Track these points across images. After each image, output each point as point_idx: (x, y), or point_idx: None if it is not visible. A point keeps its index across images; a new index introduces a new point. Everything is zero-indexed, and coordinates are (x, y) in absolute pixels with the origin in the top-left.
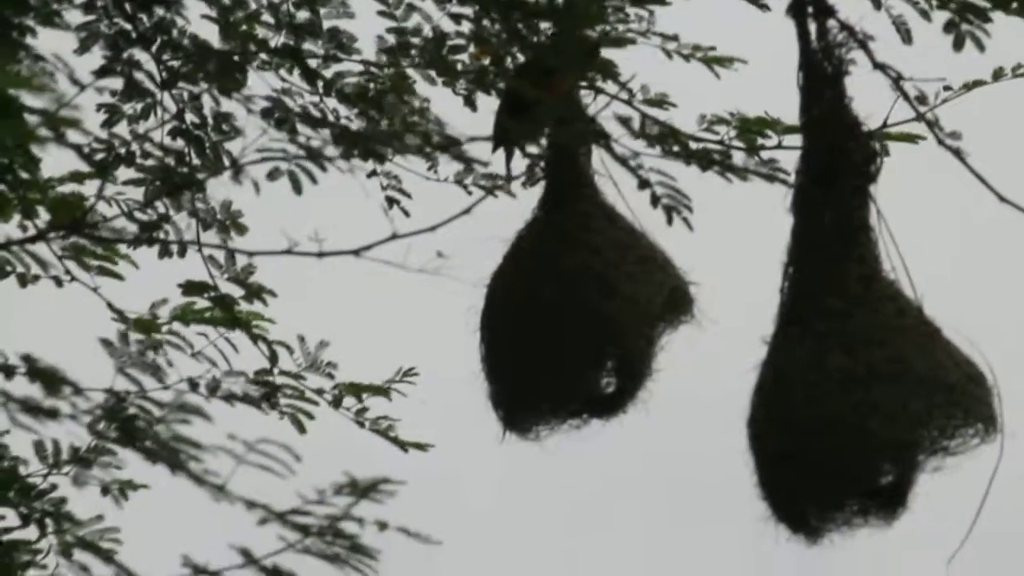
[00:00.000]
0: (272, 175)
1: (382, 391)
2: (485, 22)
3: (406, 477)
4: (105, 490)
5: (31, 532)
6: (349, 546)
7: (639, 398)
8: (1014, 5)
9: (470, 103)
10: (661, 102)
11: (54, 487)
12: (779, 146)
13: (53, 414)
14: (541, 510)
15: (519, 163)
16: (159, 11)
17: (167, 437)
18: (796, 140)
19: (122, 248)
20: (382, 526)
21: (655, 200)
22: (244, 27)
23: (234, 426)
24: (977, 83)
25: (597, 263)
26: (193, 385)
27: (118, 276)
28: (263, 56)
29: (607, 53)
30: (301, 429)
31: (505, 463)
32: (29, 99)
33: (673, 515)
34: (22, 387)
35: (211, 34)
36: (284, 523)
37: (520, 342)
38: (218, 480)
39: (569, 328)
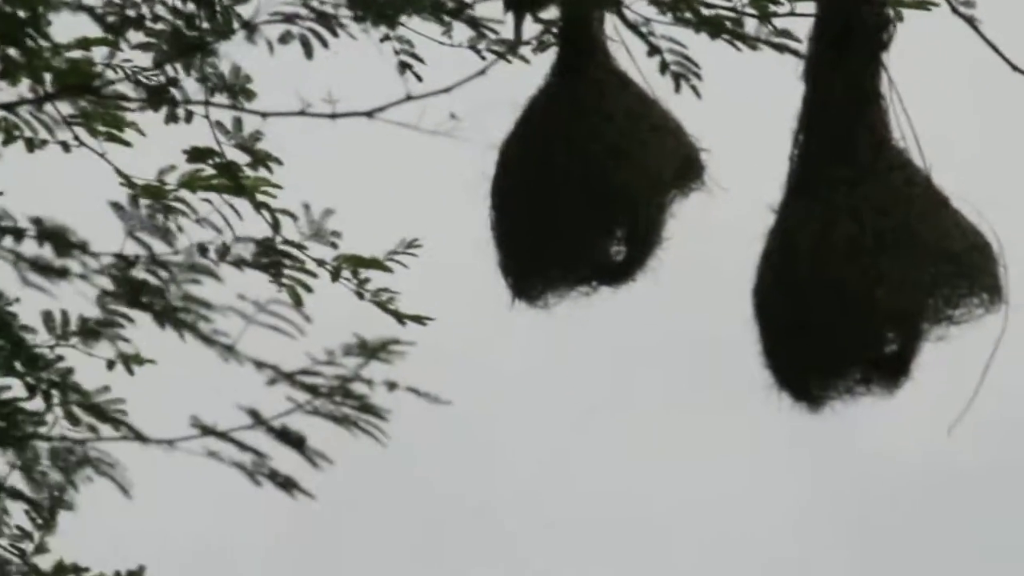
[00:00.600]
0: (284, 38)
1: (382, 265)
2: None
3: (415, 343)
4: (111, 364)
5: (37, 403)
6: (358, 406)
7: (648, 266)
8: None
9: None
10: None
11: (60, 358)
12: (792, 13)
13: (63, 273)
14: (552, 377)
15: (532, 29)
16: None
17: (177, 296)
18: (809, 7)
19: (129, 115)
20: (391, 386)
21: (664, 67)
22: None
23: (243, 291)
24: None
25: (609, 130)
26: (203, 250)
27: (126, 143)
28: None
29: None
30: (298, 301)
31: (514, 330)
32: None
33: (682, 378)
34: (32, 251)
35: None
36: (293, 384)
37: (530, 209)
38: (227, 340)
39: (580, 195)
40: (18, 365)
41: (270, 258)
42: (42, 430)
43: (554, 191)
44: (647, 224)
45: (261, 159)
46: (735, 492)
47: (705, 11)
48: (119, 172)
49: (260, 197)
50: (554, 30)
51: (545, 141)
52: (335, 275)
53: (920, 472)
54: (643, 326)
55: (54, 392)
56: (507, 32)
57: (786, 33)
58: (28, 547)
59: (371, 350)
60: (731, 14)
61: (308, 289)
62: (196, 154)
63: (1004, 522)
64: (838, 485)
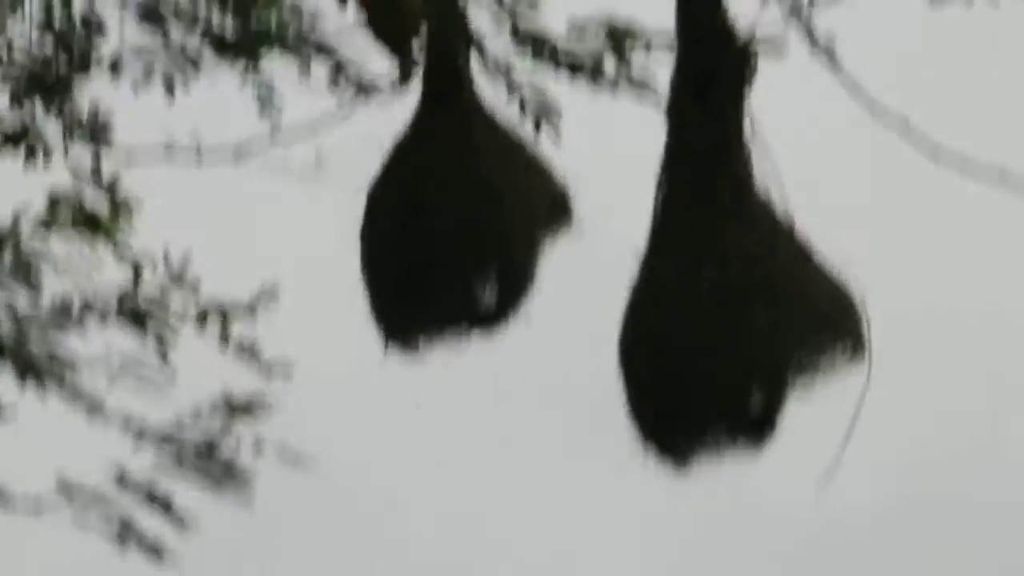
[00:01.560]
0: (146, 75)
1: (247, 310)
2: None
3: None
4: None
5: None
6: (224, 471)
7: (522, 308)
8: None
9: (341, 2)
10: (533, 4)
11: None
12: (648, 54)
13: None
14: (425, 425)
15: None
16: None
17: (42, 352)
18: (666, 53)
19: None
20: (257, 447)
21: (523, 106)
22: None
23: (108, 340)
24: None
25: (480, 168)
26: (65, 305)
27: None
28: None
29: None
30: (163, 350)
31: (387, 377)
32: None
33: (557, 424)
34: None
35: None
36: (160, 441)
37: (401, 251)
38: (94, 396)
39: (451, 235)
40: None
41: (131, 307)
42: None
43: (424, 231)
44: (521, 265)
45: (121, 201)
46: (614, 544)
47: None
48: None
49: (118, 242)
50: (416, 66)
51: (414, 180)
52: (201, 322)
53: (801, 520)
54: (516, 370)
55: None
56: (368, 67)
57: (647, 72)
58: None
59: (237, 408)
60: (589, 55)
61: (173, 333)
62: (55, 197)
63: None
64: (720, 536)
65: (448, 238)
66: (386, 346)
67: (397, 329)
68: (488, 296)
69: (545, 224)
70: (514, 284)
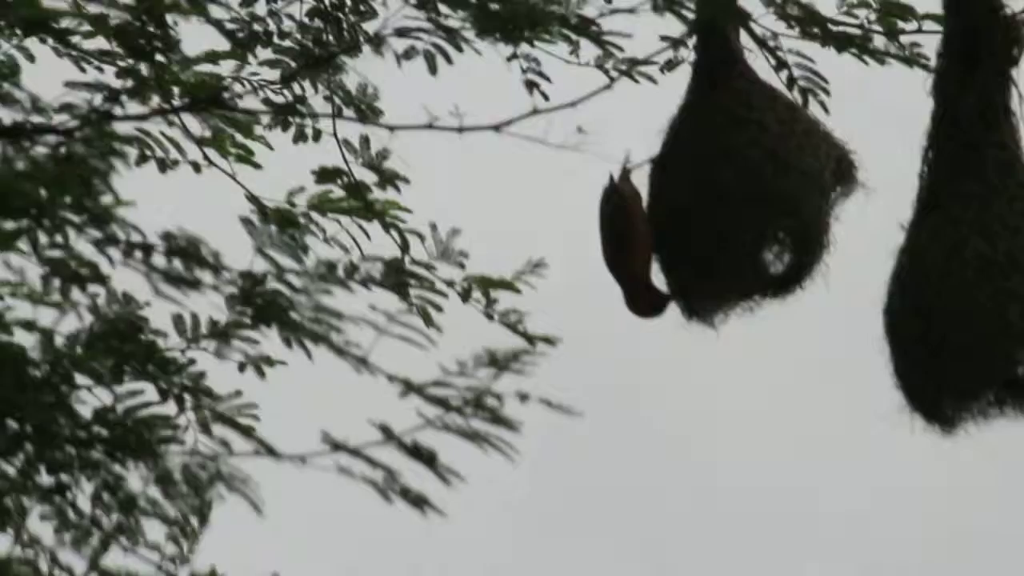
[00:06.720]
0: (408, 54)
1: (512, 286)
2: None
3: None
4: (242, 366)
5: (170, 407)
6: (490, 418)
7: (815, 272)
8: None
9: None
10: None
11: (192, 361)
12: (919, 31)
13: (195, 284)
14: (685, 391)
15: (658, 46)
16: None
17: (308, 307)
18: (937, 26)
19: (257, 131)
20: (523, 398)
21: (792, 82)
22: None
23: (373, 299)
24: None
25: (766, 139)
26: (330, 268)
27: (256, 165)
28: None
29: None
30: (428, 321)
31: (639, 345)
32: None
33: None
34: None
35: None
36: (424, 396)
37: (696, 228)
38: (359, 351)
39: (745, 207)
40: (151, 368)
41: (398, 278)
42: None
43: (718, 208)
44: (814, 230)
45: (389, 178)
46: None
47: (832, 27)
48: (249, 198)
49: (389, 219)
50: (684, 48)
51: (701, 158)
52: (465, 296)
53: None
54: (775, 341)
55: (187, 397)
56: (632, 49)
57: (915, 47)
58: (165, 561)
59: (503, 362)
60: (857, 31)
61: (439, 309)
62: (324, 174)
63: None
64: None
65: (741, 208)
66: (688, 318)
67: (698, 303)
68: (784, 262)
69: (833, 187)
70: (809, 248)
